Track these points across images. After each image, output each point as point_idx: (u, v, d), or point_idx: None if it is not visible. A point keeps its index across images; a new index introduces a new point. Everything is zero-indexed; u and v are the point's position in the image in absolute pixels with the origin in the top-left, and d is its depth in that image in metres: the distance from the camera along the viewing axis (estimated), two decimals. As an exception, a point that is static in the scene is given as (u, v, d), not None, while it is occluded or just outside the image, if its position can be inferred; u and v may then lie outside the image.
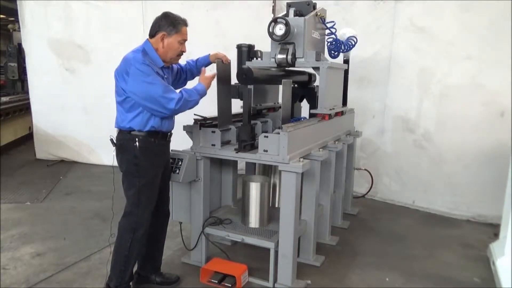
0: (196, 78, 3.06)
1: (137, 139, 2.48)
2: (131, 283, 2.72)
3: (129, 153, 2.50)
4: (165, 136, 2.63)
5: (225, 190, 3.48)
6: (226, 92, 2.99)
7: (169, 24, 2.50)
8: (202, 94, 2.61)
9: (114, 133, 2.59)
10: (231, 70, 3.02)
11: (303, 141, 2.90)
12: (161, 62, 2.53)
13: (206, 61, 2.98)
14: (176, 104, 2.41)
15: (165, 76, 2.60)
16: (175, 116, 2.71)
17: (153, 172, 2.57)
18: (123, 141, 2.52)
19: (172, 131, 2.72)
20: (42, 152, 6.48)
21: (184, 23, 2.56)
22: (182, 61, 2.95)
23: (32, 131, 6.55)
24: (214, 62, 2.97)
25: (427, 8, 4.37)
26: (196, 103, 2.56)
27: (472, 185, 4.31)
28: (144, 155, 2.50)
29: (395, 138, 4.79)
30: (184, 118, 3.05)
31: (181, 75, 2.94)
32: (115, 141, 2.56)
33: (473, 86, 4.20)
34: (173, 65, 2.85)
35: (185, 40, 2.58)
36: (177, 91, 2.56)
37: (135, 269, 2.89)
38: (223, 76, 2.94)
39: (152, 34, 2.54)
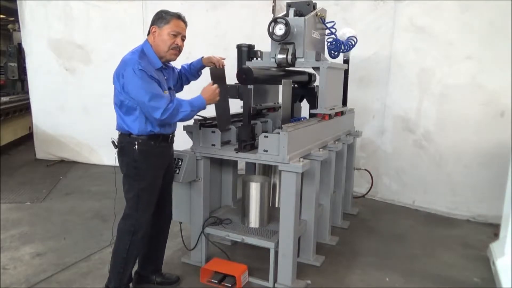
0: (193, 83, 3.03)
1: (136, 142, 2.46)
2: (130, 284, 2.73)
3: (129, 156, 2.49)
4: (167, 139, 2.60)
5: (225, 190, 3.48)
6: (222, 97, 2.94)
7: (159, 17, 2.49)
8: (198, 108, 2.50)
9: (115, 134, 2.58)
10: (232, 70, 2.99)
11: (303, 141, 2.90)
12: (159, 62, 2.50)
13: (199, 65, 2.93)
14: (162, 114, 2.34)
15: (165, 77, 2.58)
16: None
17: (153, 175, 2.55)
18: (124, 144, 2.51)
19: (175, 133, 2.69)
20: (42, 152, 6.47)
21: (175, 16, 2.49)
22: (177, 64, 2.93)
23: (32, 131, 6.55)
24: (207, 66, 2.92)
25: (427, 8, 4.37)
26: (188, 116, 2.47)
27: (472, 185, 4.31)
28: (143, 158, 2.48)
29: (395, 138, 4.79)
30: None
31: (178, 80, 2.90)
32: (116, 143, 2.55)
33: (473, 86, 4.20)
34: (175, 68, 2.83)
35: (179, 33, 2.50)
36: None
37: (135, 269, 2.90)
38: (218, 81, 2.90)
39: (148, 32, 2.54)
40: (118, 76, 2.42)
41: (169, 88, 2.61)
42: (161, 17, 2.48)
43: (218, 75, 2.91)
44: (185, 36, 2.57)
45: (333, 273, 3.17)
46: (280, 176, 2.82)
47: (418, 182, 4.65)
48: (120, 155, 2.54)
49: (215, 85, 2.60)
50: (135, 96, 2.36)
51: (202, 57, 2.93)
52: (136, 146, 2.46)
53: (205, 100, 2.53)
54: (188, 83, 2.99)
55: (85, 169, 6.03)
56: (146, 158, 2.49)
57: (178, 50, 2.54)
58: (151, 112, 2.36)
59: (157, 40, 2.48)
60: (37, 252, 3.40)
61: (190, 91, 2.82)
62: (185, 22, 2.55)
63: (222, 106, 2.94)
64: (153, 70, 2.44)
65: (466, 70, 4.22)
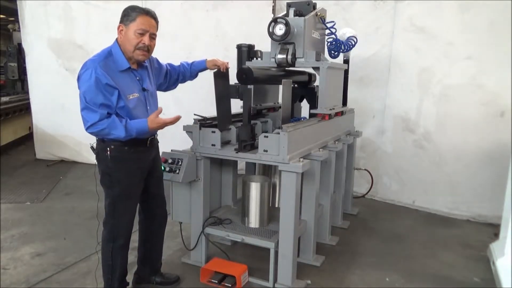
0: (191, 83, 2.99)
1: (109, 149, 2.36)
2: (129, 286, 2.74)
3: (103, 162, 2.42)
4: (144, 143, 2.47)
5: (225, 190, 3.48)
6: (224, 98, 2.95)
7: (124, 14, 2.35)
8: (137, 134, 2.32)
9: None
10: (232, 70, 2.98)
11: (303, 141, 2.90)
12: (126, 64, 2.36)
13: (202, 66, 2.87)
14: (89, 128, 2.25)
15: (137, 78, 2.43)
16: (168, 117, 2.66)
17: (129, 181, 2.45)
18: (98, 150, 2.43)
19: (156, 136, 2.61)
20: (42, 152, 6.47)
21: (142, 12, 2.33)
22: (177, 62, 2.91)
23: (32, 131, 6.55)
24: (211, 69, 2.88)
25: (427, 8, 4.37)
26: (120, 136, 2.28)
27: (472, 185, 4.31)
28: (117, 165, 2.40)
29: (395, 138, 4.79)
30: (184, 118, 3.04)
31: (171, 76, 2.81)
32: (95, 148, 2.48)
33: (473, 86, 4.20)
34: (161, 64, 2.74)
35: (146, 30, 2.33)
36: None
37: (134, 269, 2.90)
38: (221, 86, 2.90)
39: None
40: (78, 78, 2.32)
41: (143, 89, 2.46)
42: (126, 14, 2.34)
43: (221, 77, 2.90)
44: (155, 34, 2.41)
45: (333, 273, 3.17)
46: (280, 176, 2.82)
47: (418, 182, 4.65)
48: (97, 161, 2.47)
49: (168, 121, 2.36)
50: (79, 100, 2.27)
51: (206, 59, 2.87)
52: (109, 153, 2.37)
53: (148, 129, 2.34)
54: (185, 81, 2.93)
55: (85, 169, 6.02)
56: (119, 165, 2.40)
57: (146, 50, 2.37)
58: (83, 120, 2.26)
59: (123, 40, 2.35)
60: (37, 252, 3.40)
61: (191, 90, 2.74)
62: (155, 19, 2.39)
63: (223, 107, 2.94)
64: (117, 72, 2.32)
65: (466, 70, 4.22)
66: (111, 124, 2.26)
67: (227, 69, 2.89)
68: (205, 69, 2.91)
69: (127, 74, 2.39)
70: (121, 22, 2.37)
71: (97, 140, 2.45)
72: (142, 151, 2.48)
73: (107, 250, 2.53)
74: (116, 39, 2.42)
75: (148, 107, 2.50)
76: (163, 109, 2.45)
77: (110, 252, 2.51)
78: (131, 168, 2.46)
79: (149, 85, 2.52)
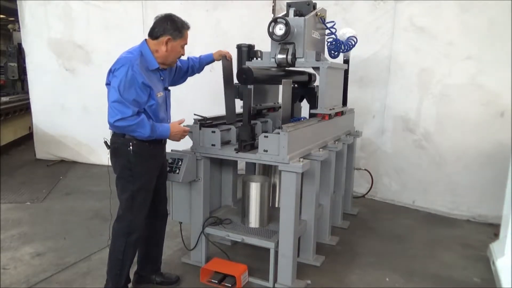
0: (192, 83, 3.08)
1: (131, 144, 2.43)
2: (129, 285, 2.73)
3: (123, 157, 2.46)
4: (160, 140, 2.57)
5: (225, 190, 3.48)
6: (231, 90, 3.03)
7: (174, 28, 2.47)
8: (158, 136, 2.46)
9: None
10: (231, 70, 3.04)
11: (303, 141, 2.90)
12: (155, 64, 2.48)
13: (209, 59, 3.02)
14: (118, 121, 2.30)
15: (162, 78, 2.57)
16: (171, 117, 2.70)
17: (148, 176, 2.54)
18: (117, 145, 2.47)
19: None
20: (42, 152, 6.47)
21: (187, 27, 2.56)
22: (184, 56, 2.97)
23: (32, 131, 6.55)
24: (218, 60, 3.02)
25: (427, 8, 4.37)
26: (144, 136, 2.39)
27: (472, 185, 4.31)
28: (138, 160, 2.46)
29: (395, 138, 4.79)
30: (185, 118, 3.05)
31: (181, 70, 2.91)
32: (109, 144, 2.52)
33: (473, 86, 4.20)
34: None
35: (186, 44, 2.60)
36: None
37: (135, 269, 2.90)
38: (228, 74, 3.01)
39: (155, 36, 2.48)
40: (110, 73, 2.41)
41: (165, 89, 2.61)
42: (177, 29, 2.48)
43: (229, 66, 3.03)
44: None
45: (333, 273, 3.17)
46: (280, 176, 2.82)
47: (418, 182, 4.65)
48: (113, 156, 2.51)
49: (187, 129, 2.66)
50: (108, 92, 2.36)
51: (212, 53, 3.03)
52: (131, 148, 2.43)
53: (169, 135, 2.53)
54: (193, 74, 3.04)
55: (85, 169, 6.03)
56: (140, 160, 2.47)
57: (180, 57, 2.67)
58: (109, 112, 2.32)
59: (169, 51, 2.49)
60: (37, 252, 3.40)
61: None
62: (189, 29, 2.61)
63: (230, 101, 2.99)
64: (148, 71, 2.44)
65: (466, 70, 4.22)
66: (140, 122, 2.35)
67: (231, 59, 3.05)
68: (212, 61, 3.05)
69: (155, 74, 2.52)
70: (168, 33, 2.47)
71: (114, 135, 2.49)
72: (159, 148, 2.60)
73: (119, 244, 2.54)
74: (146, 42, 2.51)
75: (167, 106, 2.64)
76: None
77: (122, 247, 2.53)
78: (151, 164, 2.55)
79: (167, 85, 2.68)
